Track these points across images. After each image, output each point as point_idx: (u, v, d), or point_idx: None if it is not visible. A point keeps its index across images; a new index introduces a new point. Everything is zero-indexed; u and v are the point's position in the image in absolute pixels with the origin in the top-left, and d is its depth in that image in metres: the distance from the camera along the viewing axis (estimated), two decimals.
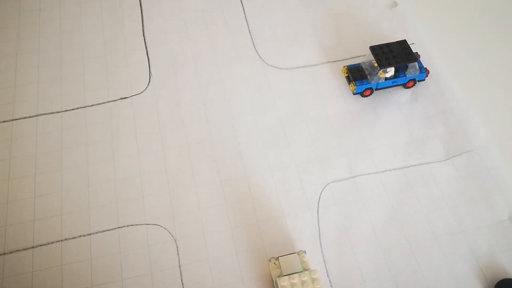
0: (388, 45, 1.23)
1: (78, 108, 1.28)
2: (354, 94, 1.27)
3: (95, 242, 1.08)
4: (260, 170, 1.17)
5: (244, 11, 1.47)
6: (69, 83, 1.33)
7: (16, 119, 1.27)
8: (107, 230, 1.09)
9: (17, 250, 1.07)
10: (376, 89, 1.27)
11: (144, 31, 1.43)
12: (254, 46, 1.38)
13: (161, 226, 1.08)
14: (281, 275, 0.94)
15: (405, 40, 1.24)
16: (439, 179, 1.15)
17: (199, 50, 1.38)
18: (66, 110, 1.27)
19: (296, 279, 0.94)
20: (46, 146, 1.22)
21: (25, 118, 1.27)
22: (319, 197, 1.12)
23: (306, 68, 1.34)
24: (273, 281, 0.99)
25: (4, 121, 1.26)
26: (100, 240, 1.08)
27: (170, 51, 1.38)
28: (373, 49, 1.23)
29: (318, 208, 1.11)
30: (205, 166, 1.18)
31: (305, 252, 1.01)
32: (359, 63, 1.28)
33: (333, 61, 1.35)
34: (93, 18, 1.47)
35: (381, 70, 1.21)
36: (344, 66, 1.27)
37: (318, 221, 1.09)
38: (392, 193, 1.13)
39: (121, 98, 1.29)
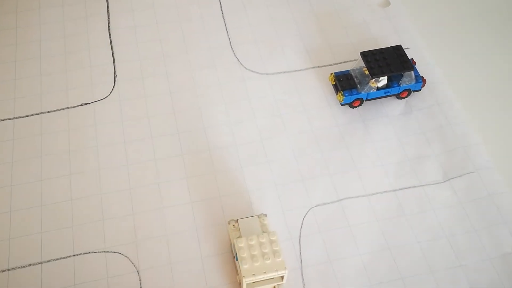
0: (381, 51, 1.15)
1: (32, 114, 1.19)
2: (342, 104, 1.18)
3: (47, 273, 0.98)
4: (236, 190, 1.09)
5: (221, 8, 1.38)
6: (23, 85, 1.23)
7: None
8: (60, 259, 1.00)
9: None
10: (367, 100, 1.19)
11: (110, 27, 1.34)
12: (232, 47, 1.29)
13: (123, 255, 1.00)
14: (239, 237, 0.92)
15: (400, 46, 1.16)
16: (436, 204, 1.07)
17: (170, 50, 1.30)
18: (19, 117, 1.18)
19: (254, 240, 0.92)
20: None
21: None
22: (302, 223, 1.05)
23: (288, 73, 1.26)
24: (231, 245, 0.96)
25: None
26: (53, 270, 0.99)
27: (139, 51, 1.29)
28: (365, 55, 1.14)
29: (300, 236, 1.04)
30: (175, 185, 1.09)
31: (265, 215, 0.98)
32: (348, 70, 1.19)
33: (319, 66, 1.27)
34: (53, 11, 1.37)
35: (373, 79, 1.12)
36: (332, 73, 1.19)
37: (300, 251, 1.02)
38: (383, 219, 1.06)
39: (81, 104, 1.20)
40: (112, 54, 1.28)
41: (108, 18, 1.35)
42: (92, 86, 1.23)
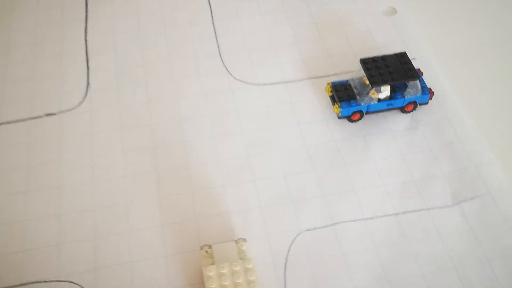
0: (383, 58, 1.03)
1: None
2: (339, 118, 1.06)
3: None
4: (215, 212, 0.97)
5: (211, 14, 1.26)
6: None
7: None
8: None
9: None
10: (367, 113, 1.07)
11: (87, 32, 1.22)
12: (221, 56, 1.18)
13: (77, 285, 0.88)
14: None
15: (404, 53, 1.04)
16: (443, 231, 0.95)
17: (152, 58, 1.20)
18: None
19: (226, 268, 0.80)
20: None
21: None
22: (289, 249, 0.92)
23: (282, 84, 1.14)
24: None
25: None
26: None
27: (117, 58, 1.19)
28: (365, 62, 1.02)
29: (286, 264, 0.91)
30: (145, 205, 0.98)
31: (245, 240, 0.86)
32: (347, 80, 1.06)
33: (316, 77, 1.15)
34: (25, 13, 1.27)
35: (374, 89, 1.00)
36: (328, 83, 1.06)
37: (285, 282, 0.89)
38: (383, 247, 0.93)
39: (47, 115, 1.08)
40: (87, 61, 1.17)
41: (86, 23, 1.24)
42: (61, 95, 1.11)
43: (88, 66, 1.16)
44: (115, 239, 0.93)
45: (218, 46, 1.21)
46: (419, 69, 1.10)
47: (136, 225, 0.95)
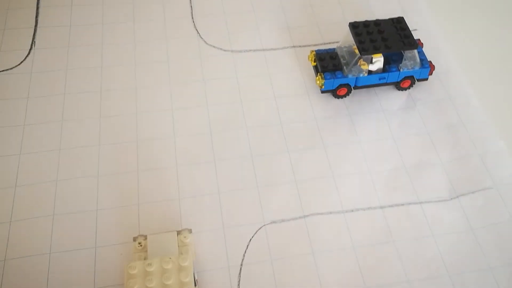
0: (376, 22, 0.85)
1: None
2: (322, 92, 0.90)
3: None
4: (163, 197, 0.80)
5: None
6: None
7: None
8: None
9: None
10: (355, 87, 0.91)
11: None
12: (193, 18, 1.00)
13: None
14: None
15: (402, 18, 0.86)
16: (437, 229, 0.78)
17: (113, 17, 1.04)
18: None
19: (154, 266, 0.63)
20: None
21: None
22: (247, 245, 0.75)
23: (260, 52, 0.99)
24: None
25: None
26: None
27: (71, 15, 1.03)
28: (354, 26, 0.85)
29: (242, 263, 0.75)
30: (81, 184, 0.81)
31: (190, 231, 0.71)
32: (334, 48, 0.87)
33: (301, 46, 0.97)
34: None
35: (363, 58, 0.81)
36: (312, 51, 0.88)
37: (239, 285, 0.72)
38: (363, 246, 0.76)
39: None
40: (36, 16, 0.98)
41: None
42: (0, 52, 0.91)
43: (37, 22, 0.98)
44: (35, 224, 0.76)
45: (191, 7, 1.03)
46: (419, 40, 0.92)
47: (64, 207, 0.78)
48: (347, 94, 0.91)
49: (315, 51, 0.92)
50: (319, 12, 1.06)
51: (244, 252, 0.75)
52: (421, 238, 0.77)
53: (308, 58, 0.94)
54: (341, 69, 0.89)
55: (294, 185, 0.82)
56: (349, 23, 0.88)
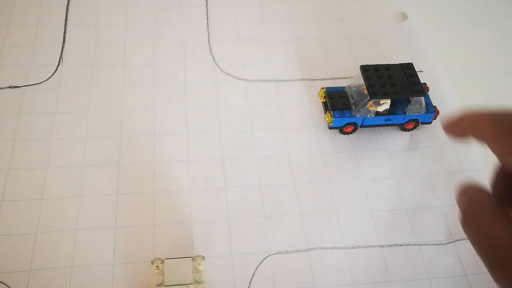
0: (387, 67, 0.86)
1: None
2: (330, 128, 0.91)
3: None
4: (176, 220, 0.82)
5: None
6: None
7: None
8: None
9: None
10: (362, 126, 0.92)
11: (70, 3, 1.04)
12: (209, 44, 0.99)
13: (7, 285, 0.73)
14: (161, 286, 0.68)
15: (411, 64, 0.88)
16: (433, 272, 0.79)
17: (135, 38, 1.04)
18: None
19: None
20: None
21: None
22: (253, 273, 0.77)
23: (272, 83, 0.98)
24: None
25: None
26: None
27: (97, 33, 1.04)
28: (365, 70, 0.86)
29: None
30: (100, 201, 0.83)
31: (203, 258, 0.72)
32: (344, 87, 0.89)
33: (311, 79, 0.98)
34: None
35: (372, 100, 0.82)
36: (322, 88, 0.90)
37: None
38: (362, 284, 0.78)
39: (10, 87, 0.90)
40: (64, 33, 0.99)
41: None
42: (29, 66, 0.95)
43: (64, 39, 1.00)
44: (58, 237, 0.78)
45: (209, 33, 1.04)
46: (425, 84, 0.93)
47: (84, 224, 0.79)
48: (353, 131, 0.93)
49: (326, 88, 0.94)
50: (329, 46, 1.07)
51: (250, 280, 0.77)
52: (418, 280, 0.78)
53: (318, 95, 0.95)
54: (349, 108, 0.91)
55: (299, 217, 0.83)
56: (361, 66, 0.90)
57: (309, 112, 0.96)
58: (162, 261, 0.70)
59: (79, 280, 0.74)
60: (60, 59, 0.98)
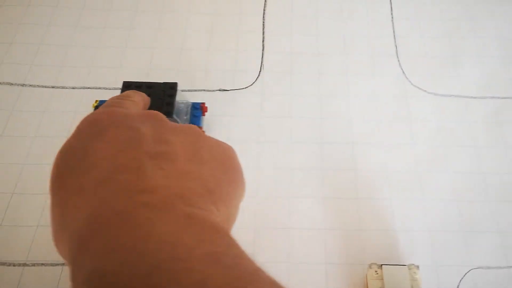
0: (149, 85, 0.74)
1: None
2: None
3: None
4: (380, 227, 0.83)
5: (391, 11, 1.09)
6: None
7: None
8: None
9: None
10: None
11: (265, 12, 1.06)
12: (398, 57, 0.99)
13: None
14: None
15: (175, 84, 0.77)
16: None
17: (327, 48, 1.05)
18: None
19: None
20: None
21: None
22: (458, 286, 0.78)
23: (461, 99, 0.95)
24: None
25: None
26: None
27: (291, 42, 1.06)
28: (126, 86, 0.75)
29: None
30: (309, 203, 0.86)
31: (418, 267, 0.72)
32: None
33: (500, 98, 0.94)
34: None
35: None
36: None
37: None
38: None
39: (219, 90, 0.96)
40: (263, 41, 1.02)
41: (265, 1, 1.09)
42: (234, 72, 0.97)
43: (263, 46, 1.02)
44: (276, 233, 0.82)
45: (396, 47, 1.04)
46: (203, 103, 0.86)
47: (297, 223, 0.82)
48: None
49: None
50: None
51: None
52: None
53: None
54: None
55: (498, 235, 0.83)
56: (124, 81, 0.76)
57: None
58: (379, 267, 0.71)
59: (299, 273, 0.78)
60: (261, 66, 1.00)
